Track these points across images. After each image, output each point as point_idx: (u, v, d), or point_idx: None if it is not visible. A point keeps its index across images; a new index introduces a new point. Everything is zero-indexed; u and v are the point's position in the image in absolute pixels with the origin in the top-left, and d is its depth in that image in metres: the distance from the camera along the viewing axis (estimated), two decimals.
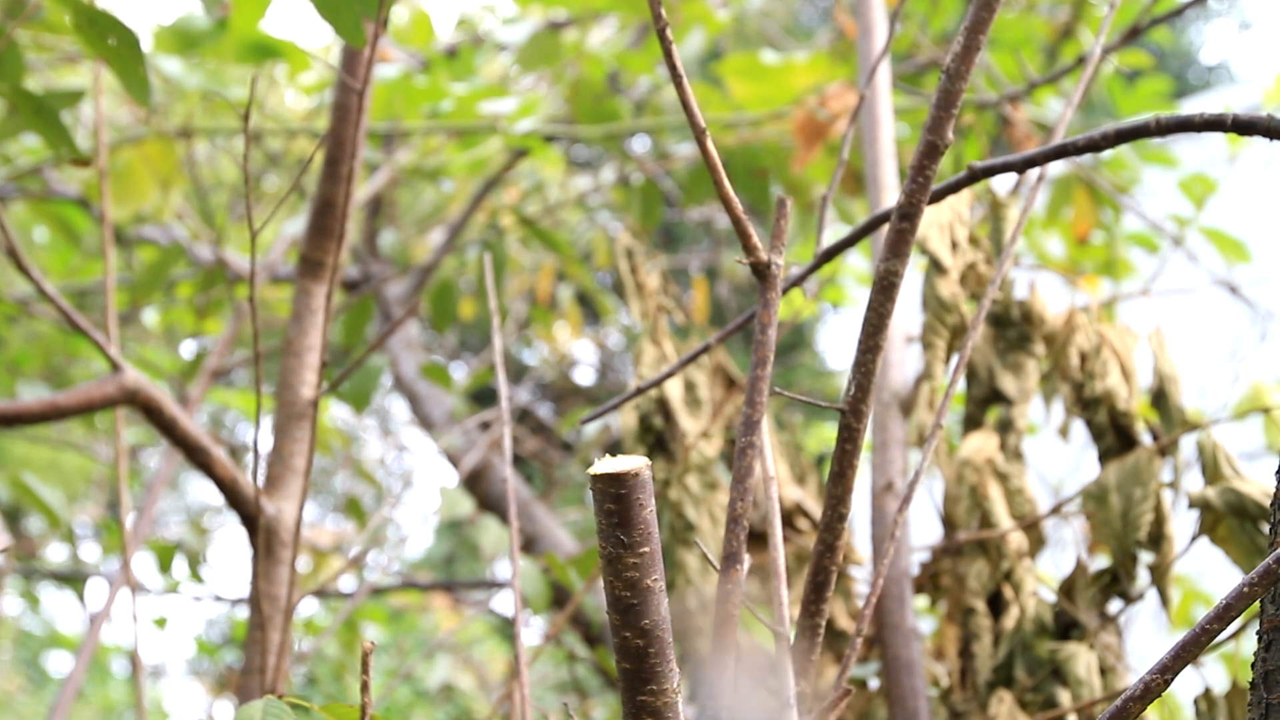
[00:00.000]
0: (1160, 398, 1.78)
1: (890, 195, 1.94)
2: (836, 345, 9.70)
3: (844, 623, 2.01)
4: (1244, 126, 1.14)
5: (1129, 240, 3.19)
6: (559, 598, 2.73)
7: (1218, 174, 2.95)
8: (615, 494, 0.84)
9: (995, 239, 1.86)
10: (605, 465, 0.85)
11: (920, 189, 1.02)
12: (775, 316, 1.10)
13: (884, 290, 1.05)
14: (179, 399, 2.96)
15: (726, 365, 2.23)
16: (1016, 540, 1.79)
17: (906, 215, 1.04)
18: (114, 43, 1.64)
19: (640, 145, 4.46)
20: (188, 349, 4.42)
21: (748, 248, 1.10)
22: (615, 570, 0.85)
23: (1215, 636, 0.90)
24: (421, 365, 3.34)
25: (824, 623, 1.08)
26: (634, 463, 0.85)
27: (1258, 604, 1.01)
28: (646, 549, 0.85)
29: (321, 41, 4.25)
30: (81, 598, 3.91)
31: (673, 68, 1.05)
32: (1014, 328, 1.88)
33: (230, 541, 9.06)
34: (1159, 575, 1.70)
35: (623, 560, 0.85)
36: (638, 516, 0.85)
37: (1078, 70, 2.78)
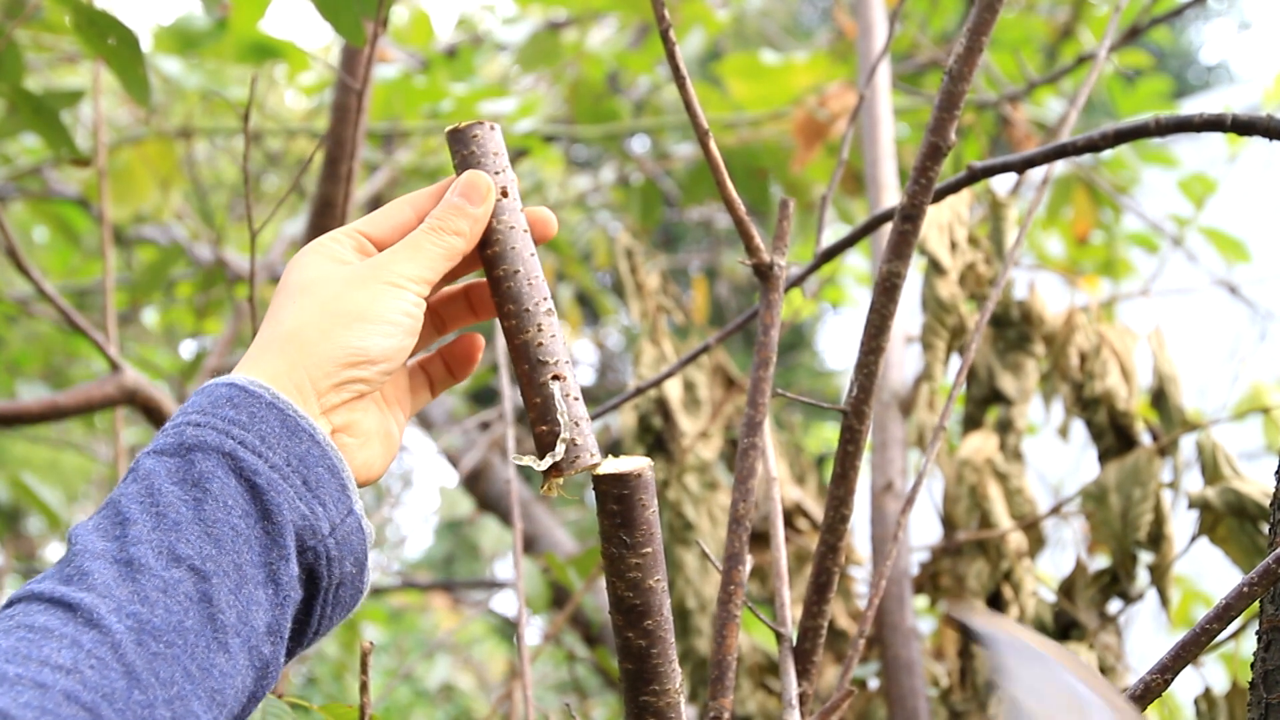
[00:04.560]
0: (1160, 398, 1.78)
1: (890, 195, 1.94)
2: (836, 345, 9.71)
3: (844, 623, 2.01)
4: (1243, 126, 1.13)
5: (1129, 240, 3.19)
6: (559, 598, 2.73)
7: (1218, 174, 2.95)
8: (618, 494, 0.84)
9: (995, 239, 1.86)
10: (609, 466, 0.85)
11: (923, 190, 1.02)
12: (778, 318, 1.10)
13: (886, 292, 1.05)
14: (179, 399, 2.96)
15: (726, 365, 2.23)
16: (1016, 540, 1.79)
17: (909, 217, 1.04)
18: (114, 43, 1.64)
19: (640, 145, 4.46)
20: (188, 349, 4.43)
21: (750, 249, 1.09)
22: (618, 571, 0.85)
23: (1215, 636, 0.90)
24: None
25: (826, 624, 1.08)
26: (637, 463, 0.85)
27: (1257, 604, 1.01)
28: (649, 549, 0.85)
29: (321, 41, 4.25)
30: None
31: (676, 69, 1.04)
32: (1014, 328, 1.88)
33: None
34: (1159, 575, 1.70)
35: (625, 561, 0.85)
36: (640, 517, 0.85)
37: (1077, 70, 2.78)
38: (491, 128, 0.93)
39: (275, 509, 0.78)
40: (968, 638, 0.75)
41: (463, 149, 0.92)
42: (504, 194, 0.91)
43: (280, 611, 0.78)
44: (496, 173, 0.91)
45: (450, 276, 0.94)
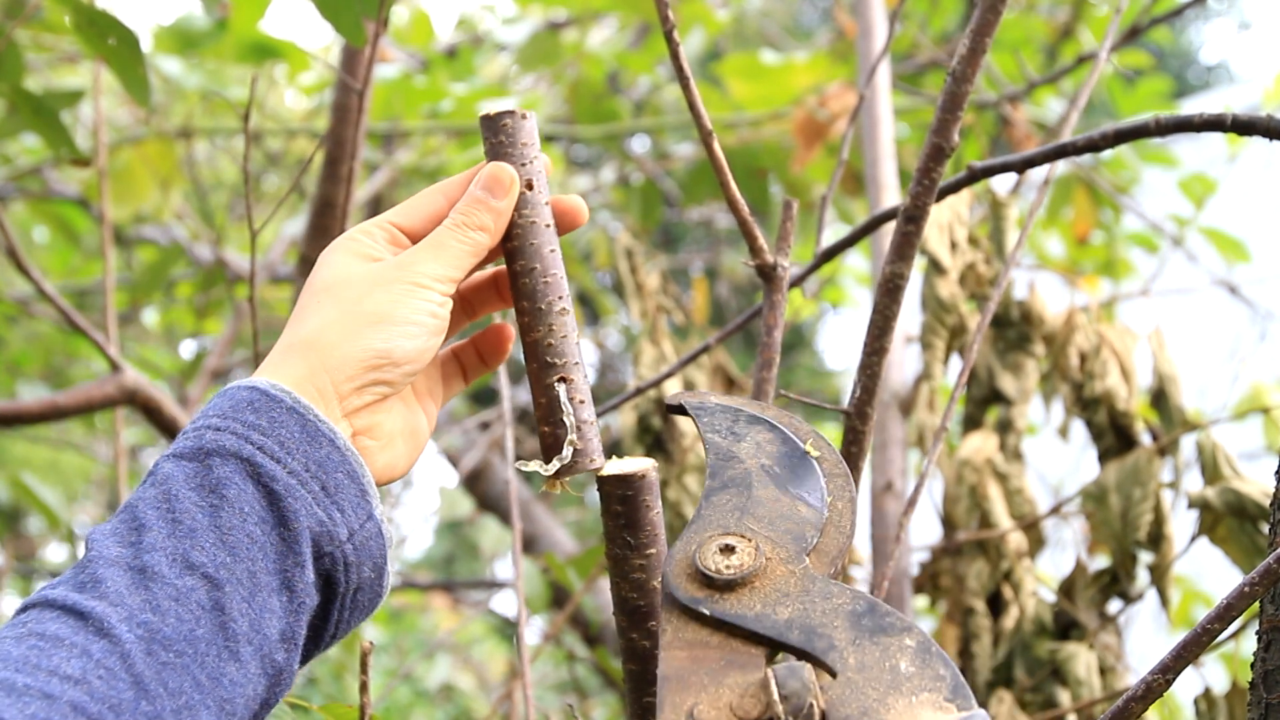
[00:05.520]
0: (1160, 398, 1.78)
1: (890, 195, 1.94)
2: (836, 345, 9.71)
3: None
4: (1243, 126, 1.13)
5: (1129, 240, 3.19)
6: (559, 598, 2.73)
7: (1218, 174, 2.95)
8: (622, 495, 0.84)
9: (995, 239, 1.86)
10: (613, 467, 0.85)
11: (926, 192, 1.02)
12: (781, 319, 1.10)
13: (889, 293, 1.05)
14: (179, 399, 2.96)
15: (726, 365, 2.23)
16: (1016, 540, 1.79)
17: (912, 218, 1.04)
18: (114, 43, 1.64)
19: (640, 145, 4.46)
20: (188, 349, 4.43)
21: (754, 249, 1.09)
22: (622, 572, 0.85)
23: (1215, 636, 0.90)
24: None
25: None
26: (641, 464, 0.85)
27: (1257, 604, 1.01)
28: (653, 550, 0.85)
29: (321, 41, 4.25)
30: None
31: (680, 70, 1.04)
32: (1014, 328, 1.88)
33: None
34: (1159, 575, 1.70)
35: (630, 562, 0.85)
36: (645, 518, 0.84)
37: (1077, 70, 2.78)
38: (524, 116, 0.91)
39: (292, 515, 0.78)
40: (677, 413, 0.84)
41: (492, 137, 0.91)
42: (529, 186, 0.90)
43: (295, 619, 0.77)
44: (524, 164, 0.90)
45: (479, 262, 0.93)
